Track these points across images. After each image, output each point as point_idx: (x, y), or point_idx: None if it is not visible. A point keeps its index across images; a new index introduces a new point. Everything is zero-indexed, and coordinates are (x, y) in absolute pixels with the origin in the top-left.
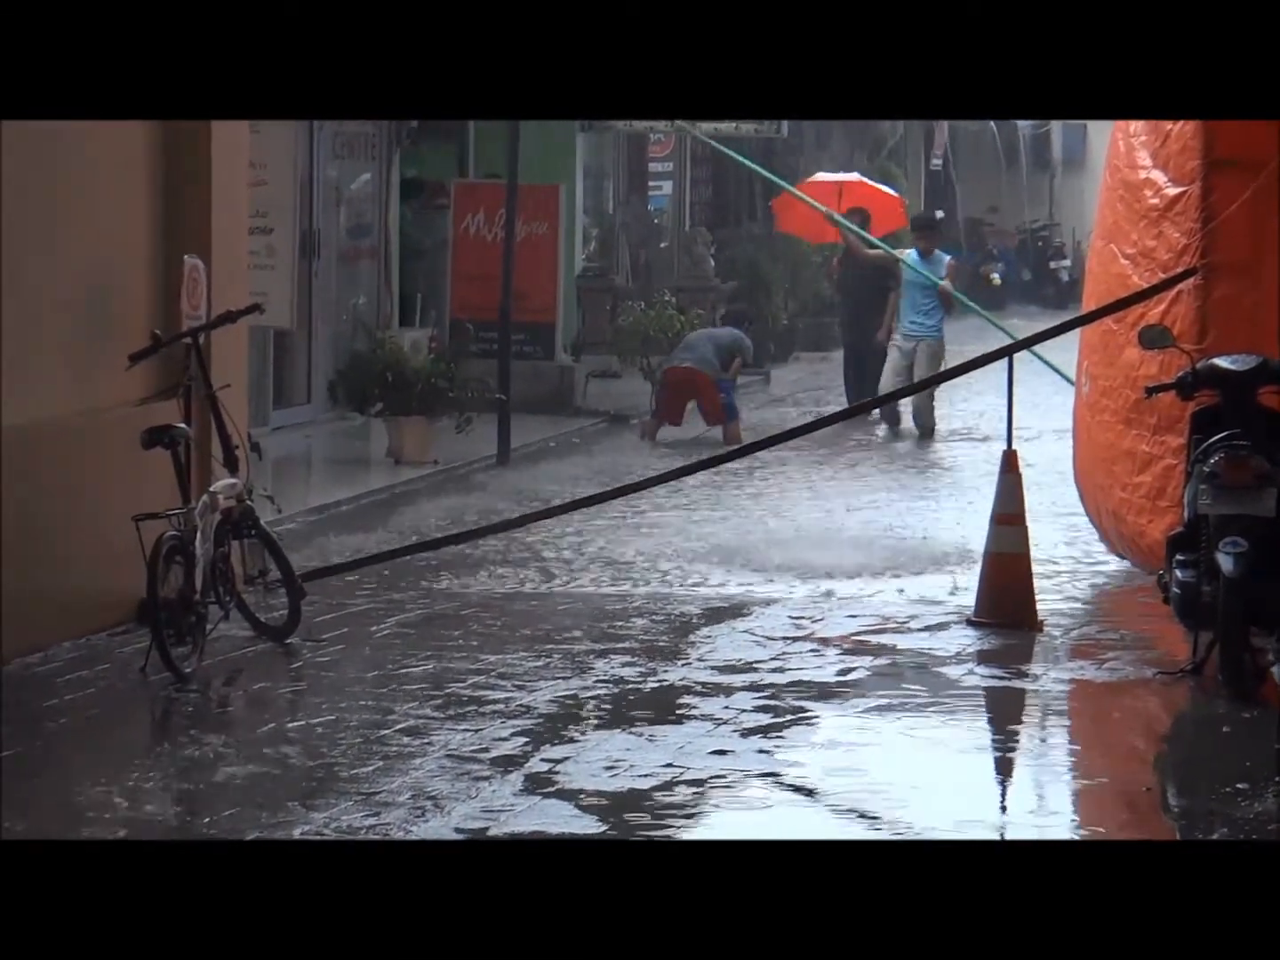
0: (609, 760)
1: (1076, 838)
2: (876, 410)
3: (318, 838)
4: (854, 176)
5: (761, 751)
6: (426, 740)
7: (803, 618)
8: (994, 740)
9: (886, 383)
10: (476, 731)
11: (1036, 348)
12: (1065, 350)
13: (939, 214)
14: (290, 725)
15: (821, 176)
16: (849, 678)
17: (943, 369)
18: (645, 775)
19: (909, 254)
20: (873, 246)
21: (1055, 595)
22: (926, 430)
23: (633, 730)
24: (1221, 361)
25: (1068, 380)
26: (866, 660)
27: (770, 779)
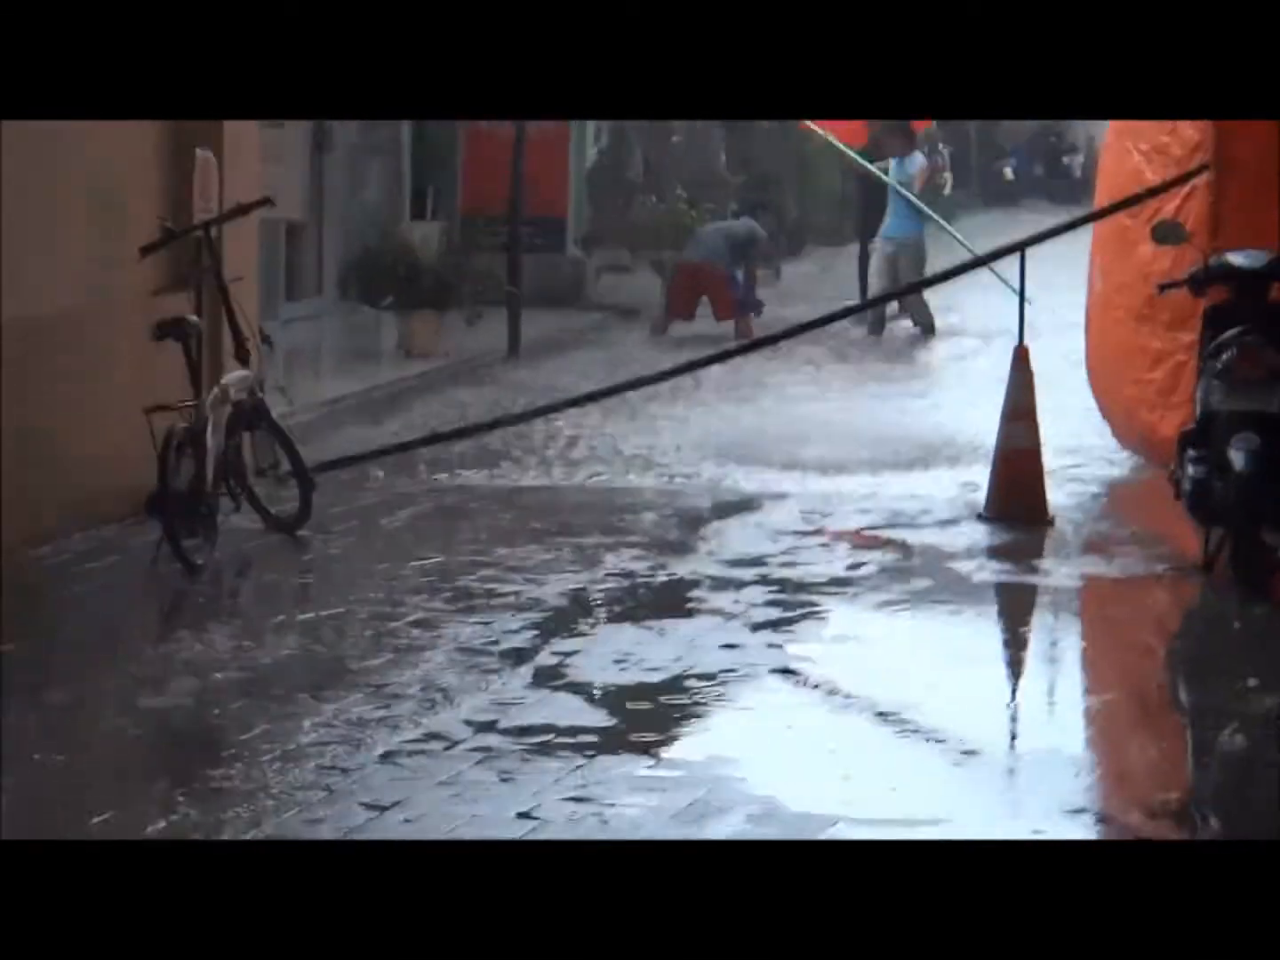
0: (618, 654)
1: (1086, 740)
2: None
3: (317, 838)
4: None
5: (771, 646)
6: (436, 633)
7: (813, 512)
8: (1004, 637)
9: (871, 285)
10: (486, 624)
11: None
12: (1078, 246)
13: None
14: (300, 617)
15: None
16: (859, 572)
17: (927, 269)
18: (654, 669)
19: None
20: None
21: (1067, 490)
22: (927, 327)
23: (642, 624)
24: (1234, 257)
25: (1012, 289)
26: (876, 555)
27: (780, 674)
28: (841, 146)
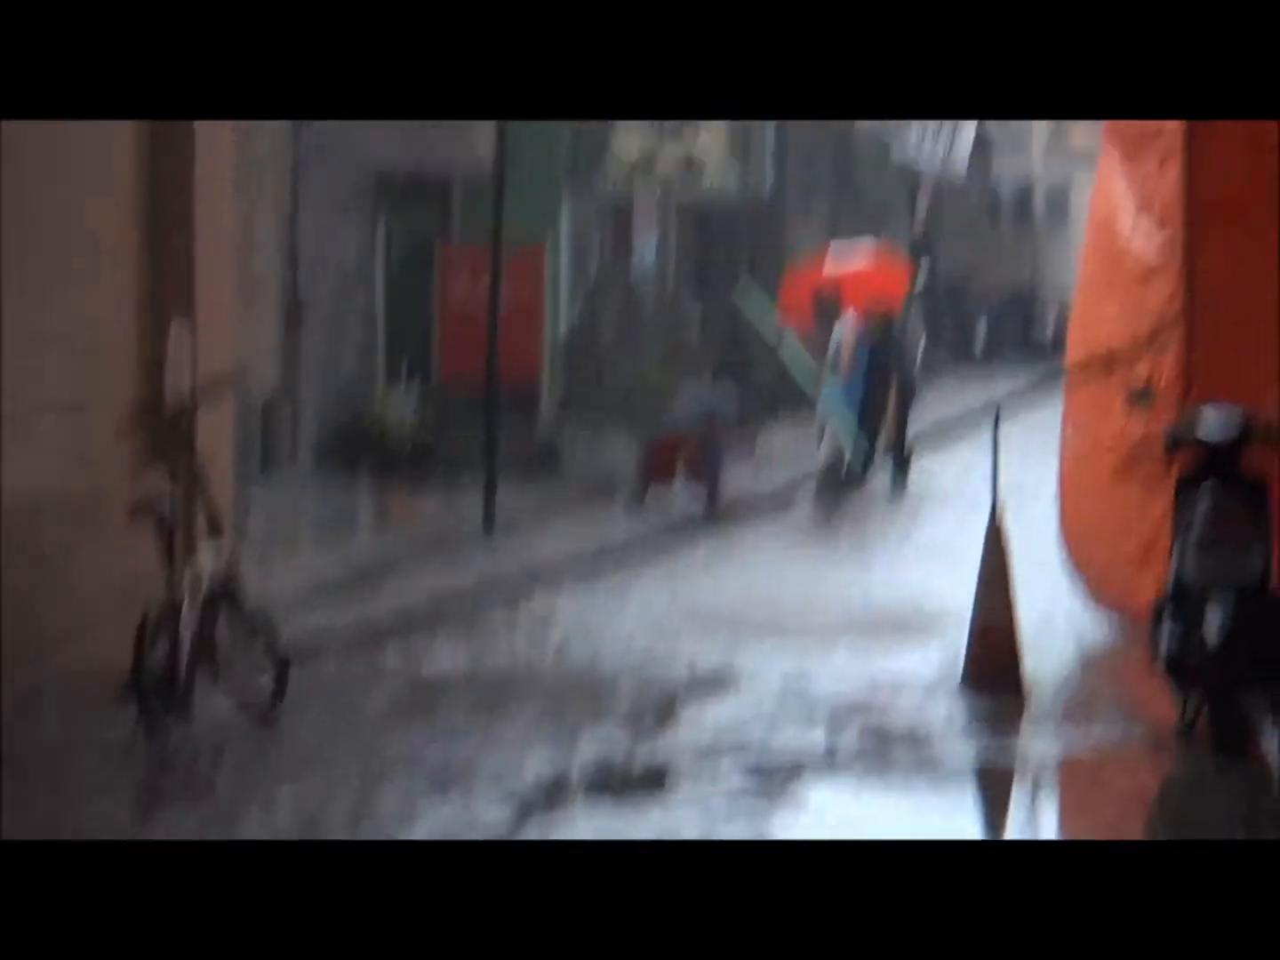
0: (596, 833)
1: None
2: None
3: (317, 838)
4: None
5: (749, 824)
6: (412, 815)
7: (791, 685)
8: (984, 810)
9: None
10: (464, 808)
11: None
12: (1051, 408)
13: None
14: (276, 796)
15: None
16: (836, 746)
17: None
18: None
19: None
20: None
21: (1044, 657)
22: (900, 485)
23: (620, 805)
24: (1207, 419)
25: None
26: (855, 730)
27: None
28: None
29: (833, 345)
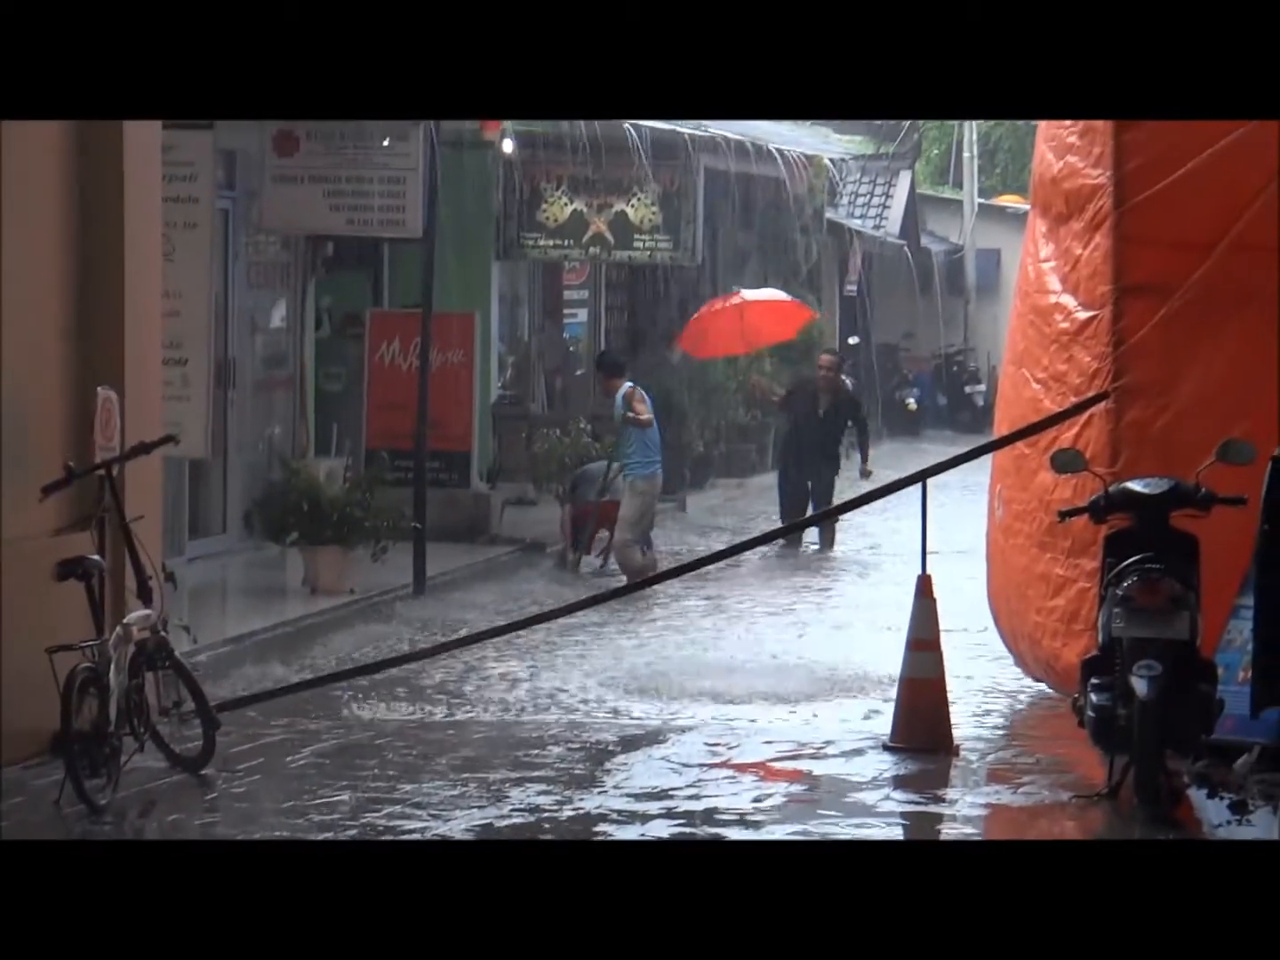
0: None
1: None
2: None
3: (318, 838)
4: (747, 294)
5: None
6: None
7: (718, 744)
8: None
9: (630, 521)
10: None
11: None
12: (979, 474)
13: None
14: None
15: (718, 304)
16: (765, 804)
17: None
18: None
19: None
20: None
21: (971, 719)
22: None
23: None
24: (1134, 485)
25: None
26: (782, 786)
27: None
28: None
29: (618, 404)
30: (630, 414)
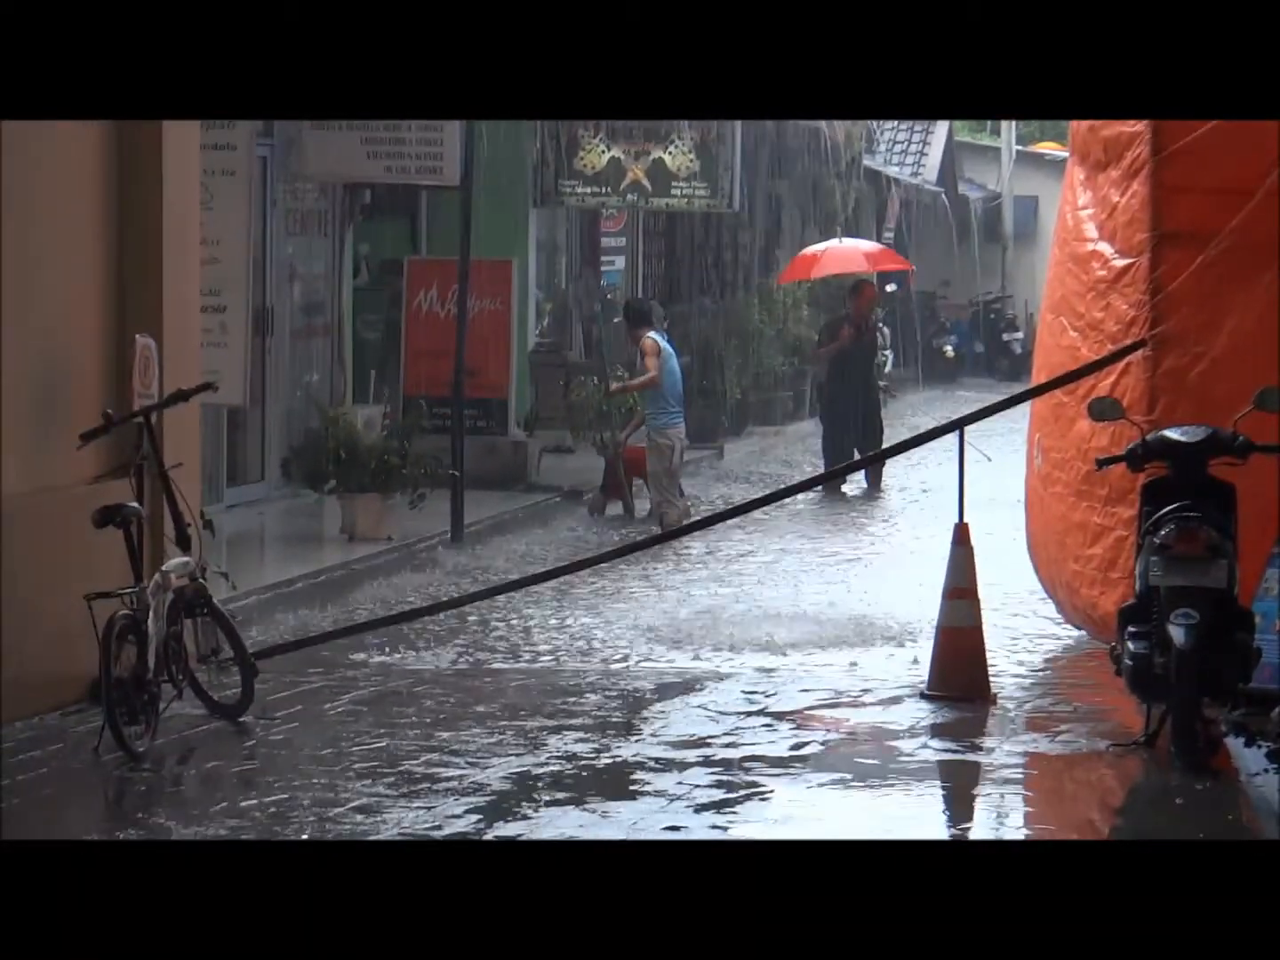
0: (562, 837)
1: None
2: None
3: (317, 838)
4: (834, 243)
5: (715, 827)
6: (380, 818)
7: (756, 692)
8: (948, 815)
9: (656, 476)
10: (430, 809)
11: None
12: (1017, 422)
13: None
14: (243, 804)
15: (807, 250)
16: (802, 752)
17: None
18: None
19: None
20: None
21: (1009, 667)
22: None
23: (586, 807)
24: (1171, 433)
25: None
26: (820, 734)
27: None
28: None
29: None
30: (626, 377)
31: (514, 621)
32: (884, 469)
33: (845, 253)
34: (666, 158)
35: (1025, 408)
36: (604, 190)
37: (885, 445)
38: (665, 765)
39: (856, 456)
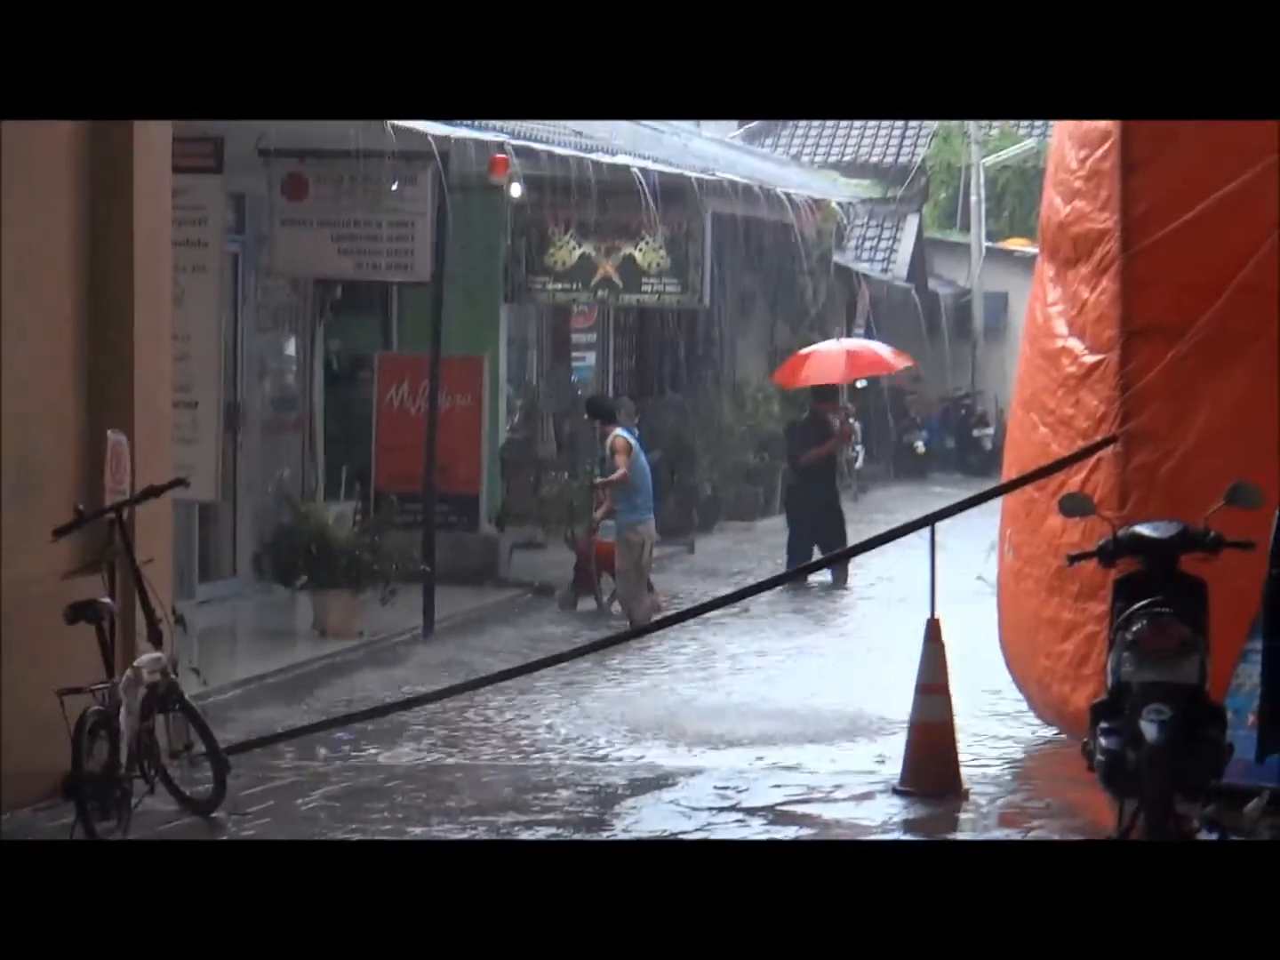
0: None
1: None
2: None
3: (318, 838)
4: (854, 343)
5: None
6: None
7: (728, 788)
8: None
9: (624, 573)
10: None
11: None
12: (988, 517)
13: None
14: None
15: (819, 347)
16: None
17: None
18: None
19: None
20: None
21: (981, 762)
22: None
23: None
24: (1143, 529)
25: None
26: (792, 830)
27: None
28: None
29: (607, 452)
30: (600, 477)
31: (486, 716)
32: (848, 565)
33: (829, 358)
34: (637, 254)
35: (996, 503)
36: (575, 286)
37: (852, 541)
38: None
39: (818, 554)
